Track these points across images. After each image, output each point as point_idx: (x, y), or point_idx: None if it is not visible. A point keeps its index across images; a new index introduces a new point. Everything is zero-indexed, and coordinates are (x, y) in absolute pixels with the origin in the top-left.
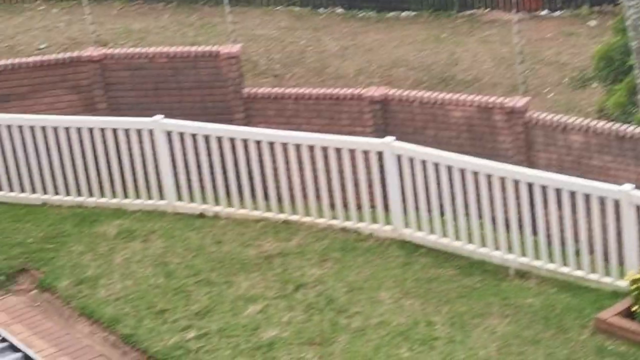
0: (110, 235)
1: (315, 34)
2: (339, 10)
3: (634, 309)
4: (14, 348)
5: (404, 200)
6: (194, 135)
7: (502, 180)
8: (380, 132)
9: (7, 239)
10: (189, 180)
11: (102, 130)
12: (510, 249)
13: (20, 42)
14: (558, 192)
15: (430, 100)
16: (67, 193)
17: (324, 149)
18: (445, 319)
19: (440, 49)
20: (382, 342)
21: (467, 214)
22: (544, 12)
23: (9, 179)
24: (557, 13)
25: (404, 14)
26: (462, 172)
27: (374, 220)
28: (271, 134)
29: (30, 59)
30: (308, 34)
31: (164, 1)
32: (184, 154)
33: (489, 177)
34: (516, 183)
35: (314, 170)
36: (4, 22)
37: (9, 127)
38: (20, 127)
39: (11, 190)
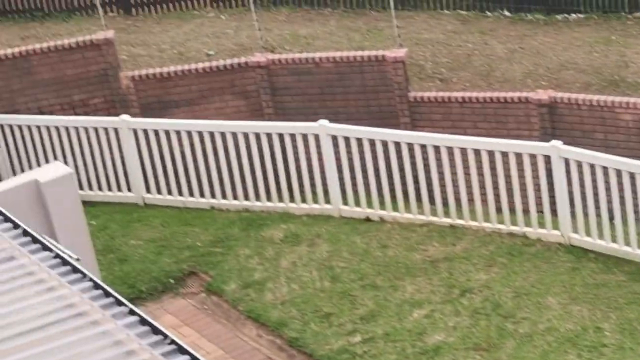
0: (276, 239)
1: (482, 37)
2: (506, 13)
3: None
4: (182, 350)
5: (571, 204)
6: (359, 140)
7: None
8: (547, 136)
9: (176, 243)
10: (354, 184)
11: (268, 135)
12: None
13: (190, 48)
14: None
15: (599, 103)
16: (235, 197)
17: (490, 153)
18: (615, 326)
19: (610, 51)
20: (549, 348)
21: (637, 219)
22: None
23: (178, 183)
24: None
25: (572, 16)
26: (632, 176)
27: (541, 224)
28: (436, 138)
29: (199, 65)
30: (475, 37)
31: (330, 7)
32: (350, 158)
33: None
34: None
35: (480, 174)
36: (175, 29)
37: (177, 132)
38: (188, 132)
39: (180, 194)
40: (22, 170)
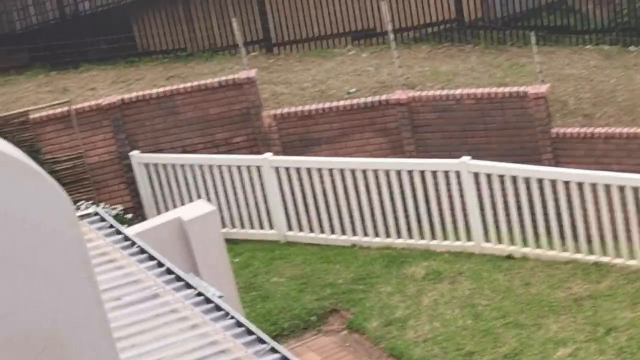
0: (418, 277)
1: (625, 72)
2: None
3: None
4: None
5: None
6: (501, 176)
7: None
8: None
9: (318, 280)
10: (496, 221)
11: (410, 172)
12: None
13: (330, 86)
14: None
15: None
16: (376, 234)
17: (635, 190)
18: None
19: None
20: None
21: None
22: None
23: (319, 221)
24: None
25: None
26: None
27: None
28: (580, 174)
29: (340, 103)
30: (618, 72)
31: (472, 43)
32: (491, 195)
33: None
34: None
35: (625, 210)
36: (316, 67)
37: (319, 170)
38: (330, 170)
39: (322, 232)
40: (166, 209)
